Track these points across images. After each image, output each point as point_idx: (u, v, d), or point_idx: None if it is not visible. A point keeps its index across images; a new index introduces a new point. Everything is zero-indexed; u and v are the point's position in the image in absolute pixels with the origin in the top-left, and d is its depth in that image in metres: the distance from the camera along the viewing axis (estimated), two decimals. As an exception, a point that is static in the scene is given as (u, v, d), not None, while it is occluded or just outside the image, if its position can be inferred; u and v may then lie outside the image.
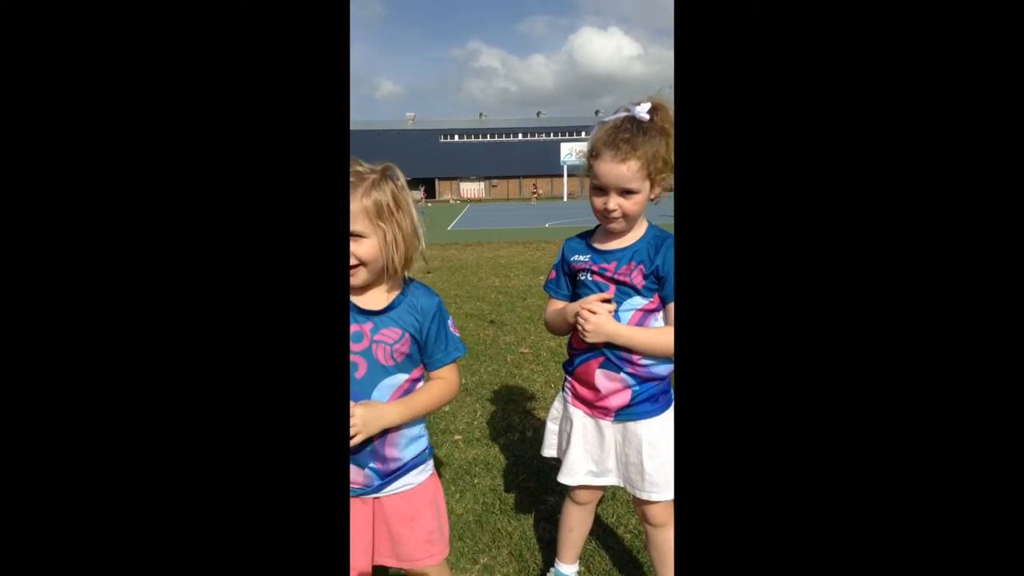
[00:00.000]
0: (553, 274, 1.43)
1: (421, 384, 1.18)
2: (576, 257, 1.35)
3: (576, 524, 1.51)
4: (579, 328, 1.26)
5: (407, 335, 1.11)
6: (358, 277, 1.08)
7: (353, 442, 1.05)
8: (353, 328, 1.08)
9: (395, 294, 1.13)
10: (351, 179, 1.05)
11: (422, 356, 1.16)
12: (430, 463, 1.22)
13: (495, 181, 53.26)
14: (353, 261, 1.05)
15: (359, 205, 1.05)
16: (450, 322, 1.19)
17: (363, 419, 1.04)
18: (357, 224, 1.05)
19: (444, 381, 1.18)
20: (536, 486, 2.12)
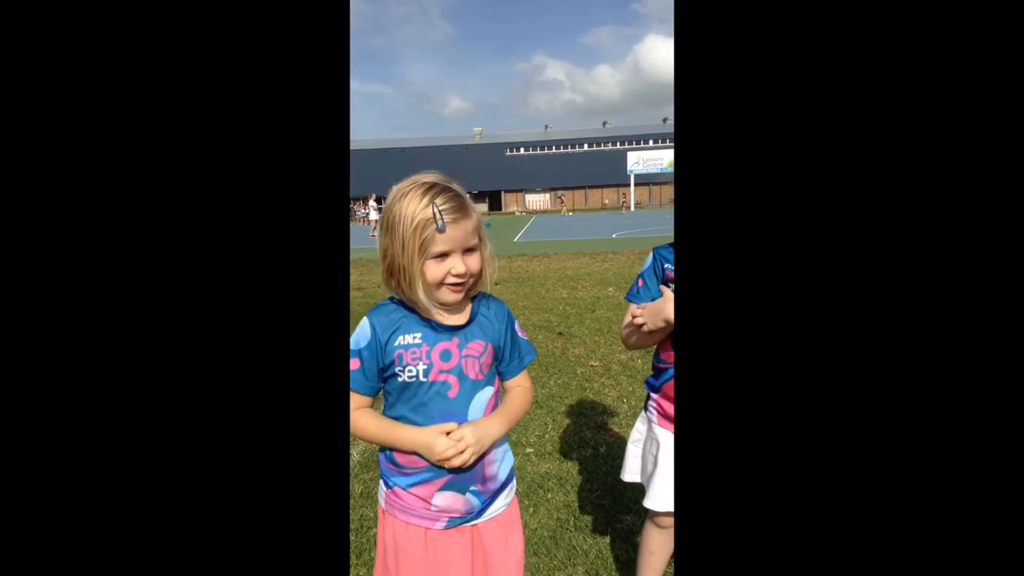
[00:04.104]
0: (640, 283, 1.34)
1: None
2: (671, 266, 1.29)
3: (658, 547, 1.45)
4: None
5: (489, 345, 1.08)
6: (462, 292, 1.04)
7: (470, 462, 1.00)
8: (441, 346, 1.03)
9: (470, 306, 1.10)
10: (456, 195, 1.01)
11: (499, 366, 1.12)
12: (515, 480, 1.18)
13: (560, 192, 53.29)
14: (465, 277, 1.01)
15: (475, 220, 1.02)
16: (517, 325, 1.17)
17: (475, 435, 1.00)
18: (474, 239, 1.02)
19: (523, 388, 1.15)
20: (611, 504, 2.07)
